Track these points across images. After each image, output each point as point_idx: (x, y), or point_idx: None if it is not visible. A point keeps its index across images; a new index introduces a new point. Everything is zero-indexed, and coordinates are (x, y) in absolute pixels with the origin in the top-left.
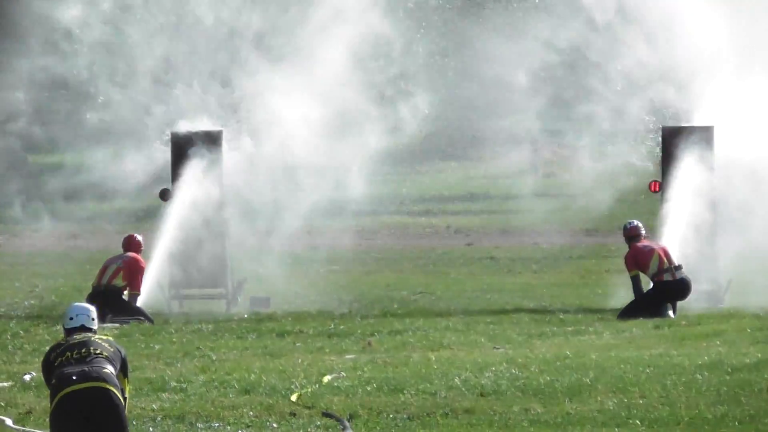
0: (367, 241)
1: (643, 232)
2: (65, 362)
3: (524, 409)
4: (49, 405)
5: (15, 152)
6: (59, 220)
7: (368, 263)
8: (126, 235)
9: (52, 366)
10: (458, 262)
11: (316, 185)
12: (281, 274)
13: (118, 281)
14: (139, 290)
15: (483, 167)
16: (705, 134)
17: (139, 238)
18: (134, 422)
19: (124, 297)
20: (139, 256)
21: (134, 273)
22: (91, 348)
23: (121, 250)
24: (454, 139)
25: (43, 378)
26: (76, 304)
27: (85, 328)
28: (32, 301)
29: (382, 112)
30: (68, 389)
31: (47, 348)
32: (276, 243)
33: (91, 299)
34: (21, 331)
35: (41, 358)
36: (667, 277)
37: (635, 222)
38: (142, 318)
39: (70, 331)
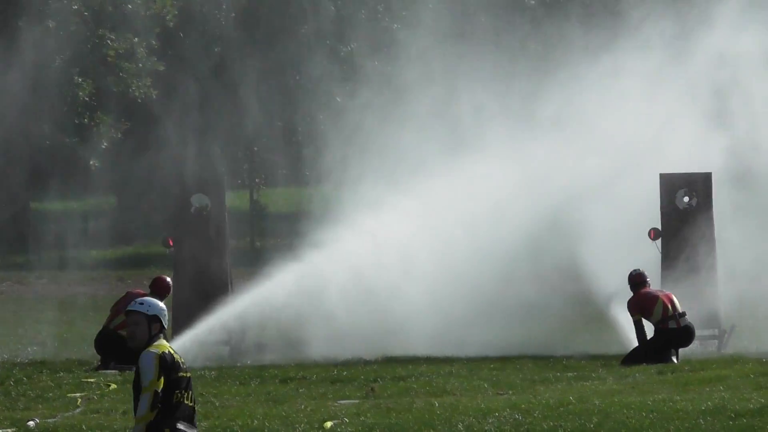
0: None
1: (647, 279)
2: (180, 406)
3: None
4: (154, 410)
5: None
6: (63, 268)
7: None
8: (155, 276)
9: (169, 382)
10: None
11: None
12: None
13: (115, 325)
14: None
15: None
16: (704, 181)
17: (169, 280)
18: None
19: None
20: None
21: None
22: (195, 400)
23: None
24: None
25: (155, 374)
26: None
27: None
28: (35, 348)
29: None
30: None
31: (153, 356)
32: None
33: (97, 341)
34: (24, 378)
35: (40, 404)
36: (671, 324)
37: (639, 269)
38: None
39: (160, 326)
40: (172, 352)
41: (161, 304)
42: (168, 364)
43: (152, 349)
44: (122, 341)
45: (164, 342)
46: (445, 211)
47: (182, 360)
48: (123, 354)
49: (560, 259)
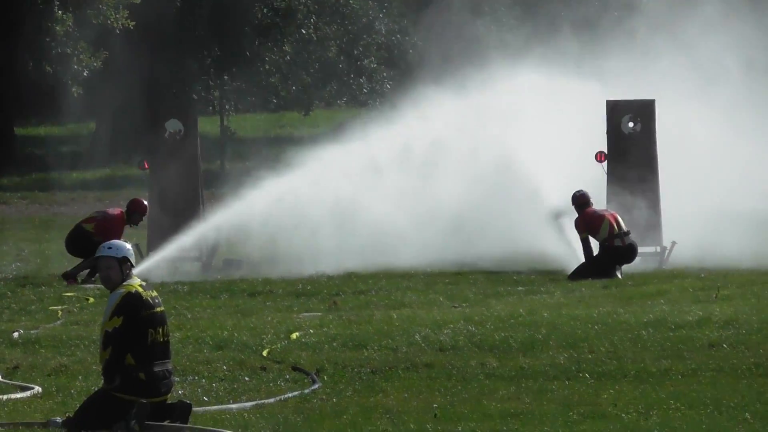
0: None
1: (590, 199)
2: (155, 347)
3: (480, 363)
4: (107, 348)
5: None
6: (45, 189)
7: None
8: (133, 198)
9: (136, 320)
10: None
11: None
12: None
13: (88, 226)
14: None
15: None
16: (647, 107)
17: (145, 202)
18: None
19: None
20: (120, 218)
21: (109, 231)
22: (168, 333)
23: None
24: None
25: (110, 315)
26: (117, 241)
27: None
28: (18, 264)
29: None
30: (150, 398)
31: (119, 295)
32: None
33: (68, 239)
34: (8, 292)
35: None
36: (617, 242)
37: (583, 190)
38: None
39: (129, 265)
40: (140, 290)
41: (126, 245)
42: (134, 302)
43: (120, 289)
44: (83, 235)
45: (134, 281)
46: (416, 139)
47: (153, 295)
48: (87, 251)
49: (515, 184)
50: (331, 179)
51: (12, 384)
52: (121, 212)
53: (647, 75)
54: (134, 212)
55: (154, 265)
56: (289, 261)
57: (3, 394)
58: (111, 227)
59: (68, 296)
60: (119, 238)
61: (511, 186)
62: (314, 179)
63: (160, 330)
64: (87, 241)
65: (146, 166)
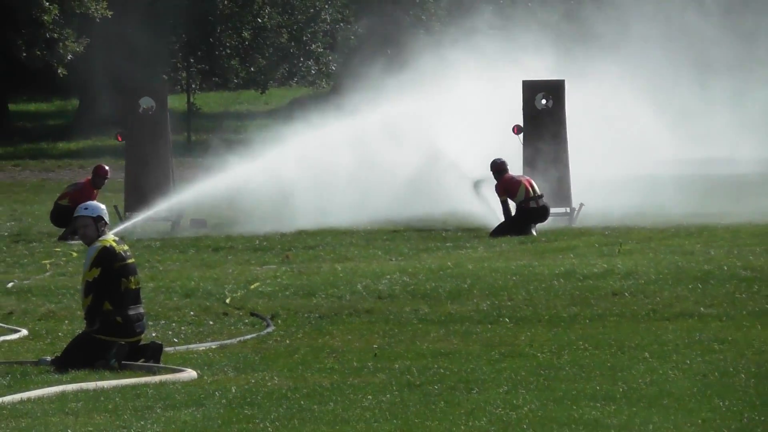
0: None
1: (508, 166)
2: (128, 293)
3: (414, 309)
4: (88, 295)
5: None
6: (35, 157)
7: None
8: (96, 164)
9: (111, 270)
10: None
11: None
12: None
13: (64, 202)
14: None
15: None
16: (558, 87)
17: (107, 168)
18: None
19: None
20: (88, 184)
21: (82, 197)
22: (139, 282)
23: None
24: None
25: (89, 266)
26: (93, 202)
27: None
28: (12, 223)
29: None
30: (124, 339)
31: (95, 249)
32: None
33: (51, 214)
34: (3, 248)
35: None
36: (532, 204)
37: (501, 158)
38: None
39: (104, 222)
40: (113, 244)
41: (101, 205)
42: (109, 255)
43: (97, 243)
44: (68, 211)
45: (108, 236)
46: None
47: (125, 249)
48: (70, 222)
49: (440, 156)
50: (294, 157)
51: (6, 327)
52: (88, 179)
53: (559, 58)
54: (97, 176)
55: (132, 225)
56: (248, 221)
57: None
58: (82, 194)
59: (56, 251)
60: (90, 196)
61: (437, 158)
62: (281, 158)
63: (132, 279)
64: (68, 213)
65: (120, 138)
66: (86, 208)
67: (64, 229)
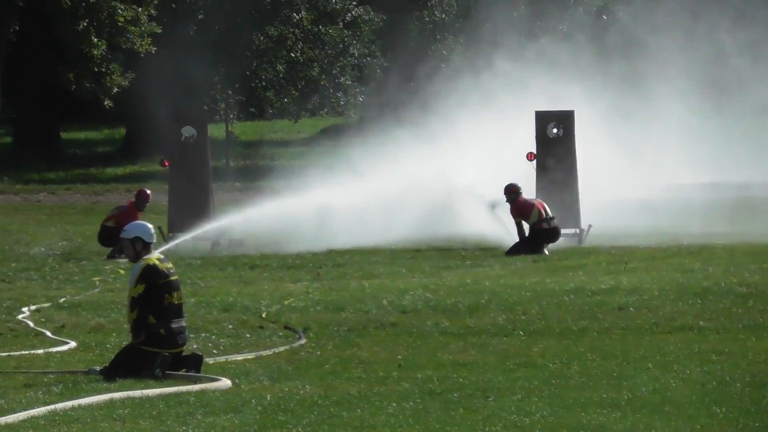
0: None
1: (521, 189)
2: (171, 308)
3: (435, 323)
4: (133, 310)
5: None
6: (85, 182)
7: None
8: (139, 189)
9: (154, 287)
10: None
11: None
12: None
13: (110, 223)
14: None
15: None
16: (569, 117)
17: (148, 192)
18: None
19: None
20: (132, 207)
21: (128, 221)
22: (181, 297)
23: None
24: None
25: (134, 282)
26: (140, 222)
27: (149, 246)
28: (64, 242)
29: None
30: (168, 350)
31: (139, 267)
32: None
33: (98, 235)
34: (56, 266)
35: (67, 286)
36: (544, 225)
37: (514, 182)
38: None
39: (147, 245)
40: (157, 263)
41: (141, 225)
42: (152, 273)
43: (141, 261)
44: (114, 231)
45: (151, 255)
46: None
47: (168, 266)
48: (116, 242)
49: (457, 184)
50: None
51: (58, 339)
52: (132, 202)
53: (569, 89)
54: (139, 200)
55: (174, 245)
56: (282, 241)
57: (48, 348)
58: (127, 216)
59: (104, 269)
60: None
61: (455, 185)
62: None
63: (175, 294)
64: (114, 234)
65: (166, 164)
66: (124, 231)
67: (111, 249)
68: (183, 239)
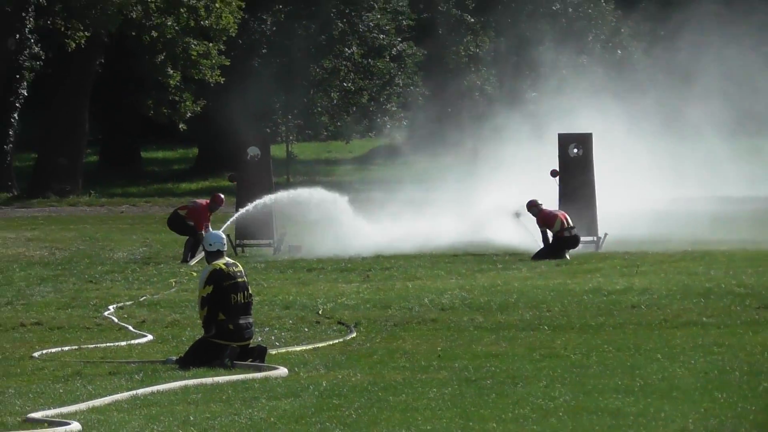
0: None
1: (540, 202)
2: (238, 306)
3: (470, 319)
4: (204, 308)
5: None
6: (163, 195)
7: None
8: (215, 193)
9: (221, 288)
10: None
11: None
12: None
13: (182, 212)
14: (201, 230)
15: None
16: (587, 138)
17: (222, 196)
18: None
19: (189, 223)
20: (206, 206)
21: (198, 216)
22: (248, 296)
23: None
24: None
25: (203, 284)
26: (214, 232)
27: (221, 253)
28: (144, 248)
29: None
30: (236, 343)
31: (207, 271)
32: None
33: (168, 220)
34: (137, 269)
35: (148, 286)
36: (566, 233)
37: (533, 198)
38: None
39: (212, 255)
40: (222, 267)
41: (218, 239)
42: (218, 276)
43: (209, 266)
44: (182, 220)
45: (220, 260)
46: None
47: (236, 270)
48: (183, 230)
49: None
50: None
51: (138, 333)
52: (206, 203)
53: (588, 112)
54: (214, 202)
55: (240, 251)
56: (336, 247)
57: (130, 340)
58: (198, 212)
59: (180, 271)
60: (205, 221)
61: (486, 198)
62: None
63: (241, 294)
64: (181, 222)
65: (231, 180)
66: (209, 245)
67: (183, 251)
68: (248, 245)
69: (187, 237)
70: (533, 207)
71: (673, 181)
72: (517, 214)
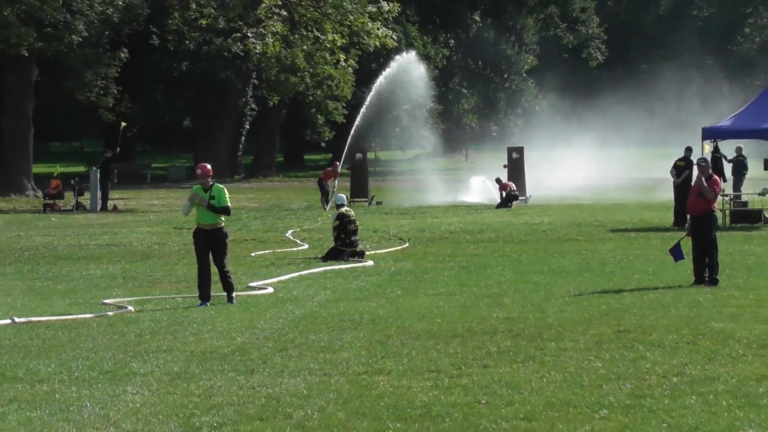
0: None
1: (501, 179)
2: (351, 231)
3: (464, 237)
4: (334, 231)
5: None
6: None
7: None
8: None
9: (343, 222)
10: None
11: None
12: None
13: (320, 173)
14: (325, 182)
15: None
16: (521, 148)
17: (338, 164)
18: None
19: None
20: (330, 171)
21: (327, 175)
22: (356, 226)
23: None
24: None
25: (333, 220)
26: (340, 194)
27: (343, 205)
28: (305, 203)
29: None
30: (349, 249)
31: (337, 213)
32: None
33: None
34: (302, 213)
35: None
36: (512, 194)
37: (498, 177)
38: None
39: (338, 206)
40: (343, 211)
41: (341, 198)
42: (342, 216)
43: (338, 211)
44: (319, 179)
45: (342, 209)
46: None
47: (351, 213)
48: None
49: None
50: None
51: (301, 243)
52: (330, 169)
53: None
54: (333, 169)
55: (349, 204)
56: (399, 202)
57: (295, 248)
58: (327, 174)
59: (324, 214)
60: (330, 179)
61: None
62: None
63: (352, 225)
64: (319, 182)
65: (350, 170)
66: (339, 198)
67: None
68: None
69: (322, 194)
70: (498, 182)
71: (598, 168)
72: (498, 181)
